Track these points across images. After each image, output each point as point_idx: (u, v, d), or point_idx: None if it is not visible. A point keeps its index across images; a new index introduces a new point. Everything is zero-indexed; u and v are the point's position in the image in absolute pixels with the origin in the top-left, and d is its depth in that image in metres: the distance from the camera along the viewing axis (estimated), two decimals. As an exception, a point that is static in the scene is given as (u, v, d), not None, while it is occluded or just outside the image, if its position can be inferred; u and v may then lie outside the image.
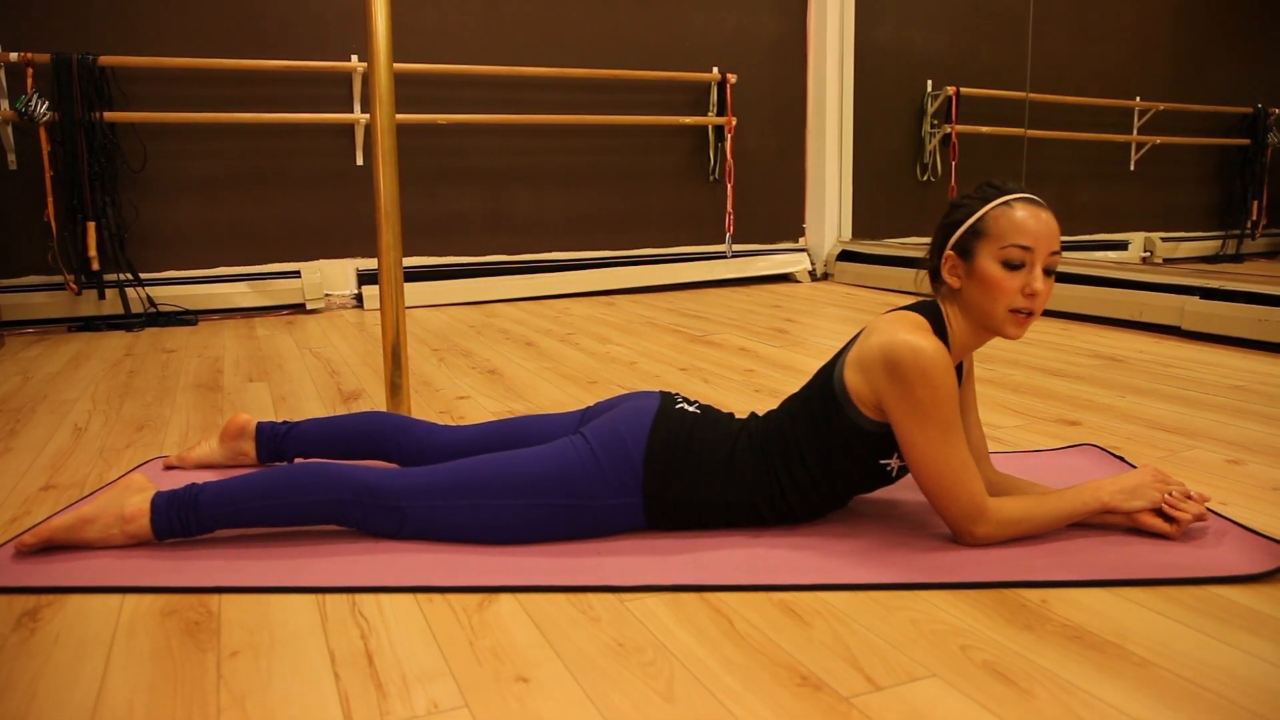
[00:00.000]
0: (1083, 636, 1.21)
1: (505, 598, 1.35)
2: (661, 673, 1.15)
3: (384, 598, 1.36)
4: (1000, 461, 1.94)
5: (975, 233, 1.46)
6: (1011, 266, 1.43)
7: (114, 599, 1.36)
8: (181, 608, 1.33)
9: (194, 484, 1.52)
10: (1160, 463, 1.94)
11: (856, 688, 1.11)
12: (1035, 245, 1.42)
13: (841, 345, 3.29)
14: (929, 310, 1.52)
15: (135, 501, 1.51)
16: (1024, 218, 1.43)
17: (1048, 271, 1.45)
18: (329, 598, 1.36)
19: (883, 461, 1.51)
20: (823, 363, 2.98)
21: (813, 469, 1.52)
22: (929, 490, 1.45)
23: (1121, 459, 1.94)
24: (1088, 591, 1.34)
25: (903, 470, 1.54)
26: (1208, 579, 1.36)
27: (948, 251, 1.50)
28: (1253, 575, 1.36)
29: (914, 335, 1.41)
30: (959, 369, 1.59)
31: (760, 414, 1.65)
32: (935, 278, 1.57)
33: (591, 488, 1.50)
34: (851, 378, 1.48)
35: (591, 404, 1.76)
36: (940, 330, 1.49)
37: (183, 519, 1.49)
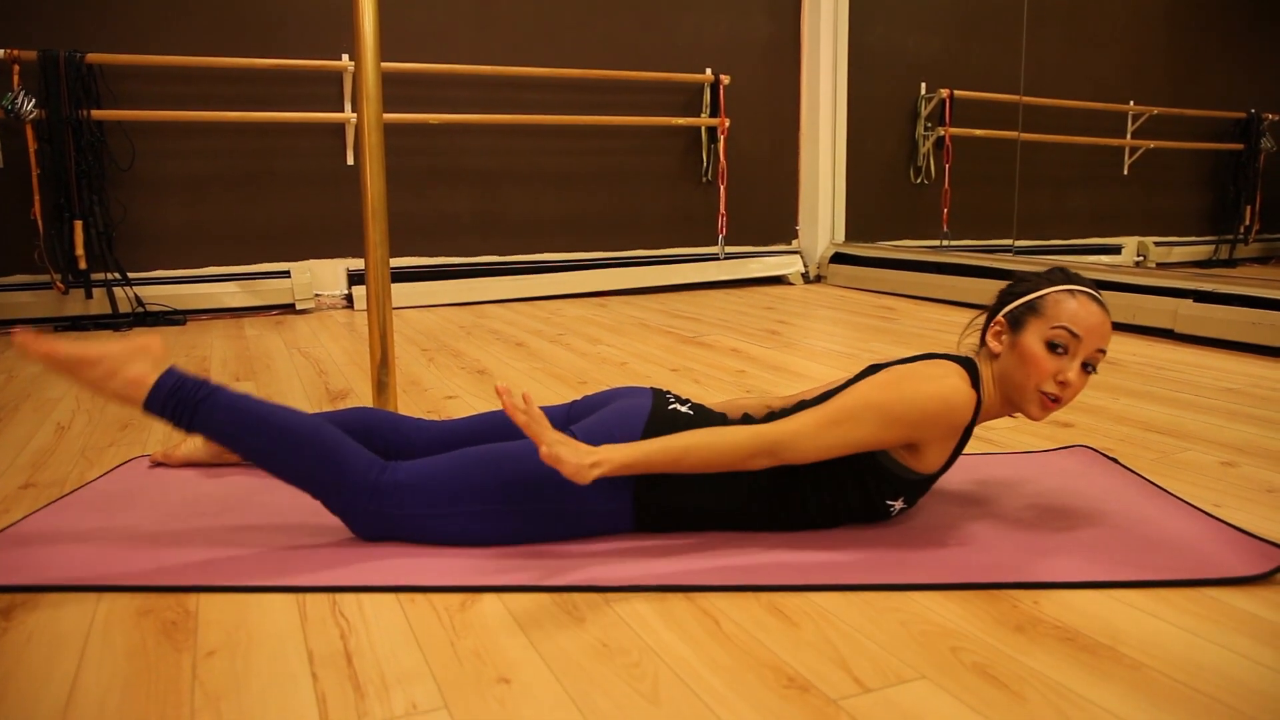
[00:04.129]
0: (1075, 638, 1.20)
1: (488, 598, 1.33)
2: (646, 674, 1.12)
3: (365, 597, 1.33)
4: (993, 462, 1.92)
5: (1031, 308, 1.49)
6: (1054, 348, 1.45)
7: (89, 598, 1.33)
8: (159, 607, 1.31)
9: (207, 384, 1.47)
10: (1154, 464, 1.93)
11: (844, 690, 1.08)
12: (1083, 336, 1.44)
13: (842, 348, 3.28)
14: (968, 366, 1.53)
15: (142, 370, 1.45)
16: (1080, 307, 1.46)
17: (1086, 367, 1.46)
18: (309, 597, 1.33)
19: (889, 502, 1.52)
20: (822, 367, 2.98)
21: (823, 495, 1.51)
22: (818, 415, 1.41)
23: (1115, 460, 1.93)
24: (1080, 593, 1.32)
25: (903, 511, 1.56)
26: (1202, 581, 1.34)
27: (999, 317, 1.53)
28: (1247, 577, 1.35)
29: (948, 375, 1.43)
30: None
31: (754, 416, 1.63)
32: (982, 340, 1.59)
33: (579, 491, 1.47)
34: None
35: (579, 397, 1.73)
36: (975, 388, 1.50)
37: (176, 413, 1.45)
